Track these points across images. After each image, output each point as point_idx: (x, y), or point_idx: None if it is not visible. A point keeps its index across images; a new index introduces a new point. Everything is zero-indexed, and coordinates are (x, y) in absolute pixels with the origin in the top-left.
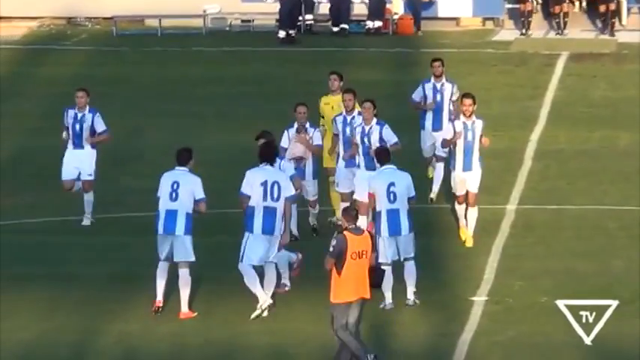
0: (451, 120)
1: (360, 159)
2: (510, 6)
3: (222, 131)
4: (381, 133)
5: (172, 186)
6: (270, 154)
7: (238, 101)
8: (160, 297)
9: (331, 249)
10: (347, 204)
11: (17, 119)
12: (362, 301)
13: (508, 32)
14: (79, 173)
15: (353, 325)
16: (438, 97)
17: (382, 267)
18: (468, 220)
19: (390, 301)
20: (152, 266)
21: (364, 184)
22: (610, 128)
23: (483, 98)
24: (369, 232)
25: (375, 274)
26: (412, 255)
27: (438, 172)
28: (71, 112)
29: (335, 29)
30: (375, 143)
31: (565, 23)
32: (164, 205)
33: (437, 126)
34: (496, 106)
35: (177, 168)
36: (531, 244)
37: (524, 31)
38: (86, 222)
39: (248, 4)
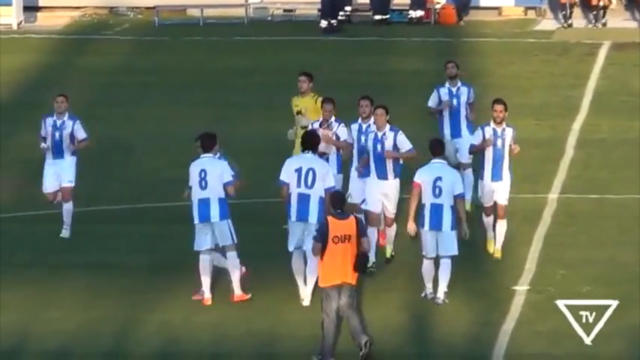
0: (469, 124)
1: (371, 168)
2: None
3: (263, 120)
4: (395, 140)
5: (200, 174)
6: (311, 141)
7: (279, 91)
8: (208, 294)
9: (315, 234)
10: (360, 216)
11: None
12: (349, 287)
13: (549, 22)
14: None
15: (346, 309)
16: (455, 102)
17: (424, 259)
18: (497, 233)
19: (432, 291)
20: (193, 256)
21: (375, 193)
22: None
23: (525, 87)
24: (356, 217)
25: (358, 259)
26: (451, 254)
27: (467, 179)
28: (50, 120)
29: (376, 18)
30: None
31: (604, 13)
32: (196, 194)
33: (456, 133)
34: (538, 95)
35: (202, 155)
36: (573, 233)
37: (564, 21)
38: (65, 234)
39: None
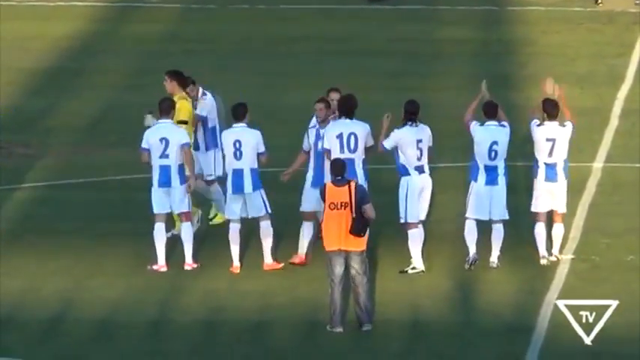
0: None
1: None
2: None
3: (307, 88)
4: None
5: (235, 144)
6: (348, 106)
7: (326, 58)
8: (236, 262)
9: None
10: (310, 223)
11: (103, 76)
12: (357, 254)
13: None
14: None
15: (356, 278)
16: None
17: (467, 220)
18: (554, 239)
19: (475, 251)
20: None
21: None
22: None
23: (570, 56)
24: (356, 184)
25: (353, 222)
26: (503, 218)
27: None
28: None
29: None
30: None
31: None
32: (230, 164)
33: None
34: (583, 63)
35: (234, 125)
36: (618, 202)
37: None
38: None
39: None
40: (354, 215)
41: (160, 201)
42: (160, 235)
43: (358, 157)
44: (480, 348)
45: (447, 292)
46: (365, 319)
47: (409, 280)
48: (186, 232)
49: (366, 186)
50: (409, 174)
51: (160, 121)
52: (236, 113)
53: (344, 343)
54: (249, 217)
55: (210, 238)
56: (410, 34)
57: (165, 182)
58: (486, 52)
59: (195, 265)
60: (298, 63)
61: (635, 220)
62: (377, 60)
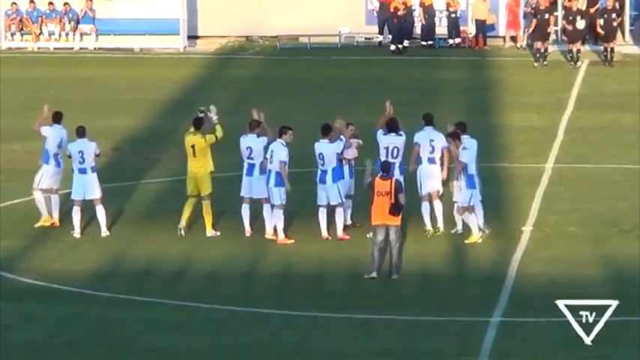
0: None
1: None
2: None
3: (352, 114)
4: None
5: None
6: (394, 125)
7: (363, 93)
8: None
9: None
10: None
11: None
12: (394, 227)
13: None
14: None
15: (393, 243)
16: None
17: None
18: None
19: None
20: (306, 206)
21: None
22: None
23: (529, 90)
24: (396, 179)
25: (392, 207)
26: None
27: None
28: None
29: (423, 43)
30: None
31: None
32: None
33: None
34: (539, 96)
35: (321, 140)
36: (563, 191)
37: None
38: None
39: (370, 27)
40: (392, 201)
41: (249, 187)
42: (245, 211)
43: (398, 161)
44: (469, 290)
45: (445, 252)
46: (394, 271)
47: (419, 244)
48: (267, 211)
49: (402, 180)
50: (422, 163)
51: (248, 134)
52: (323, 130)
53: (377, 287)
54: (331, 203)
55: (293, 215)
56: (419, 75)
57: (250, 174)
58: (472, 88)
59: (271, 234)
60: (343, 96)
61: (575, 203)
62: (397, 94)
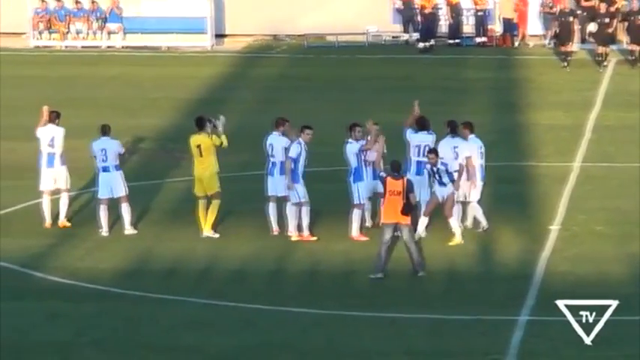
0: None
1: None
2: None
3: (379, 112)
4: None
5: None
6: (425, 124)
7: (389, 92)
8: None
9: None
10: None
11: (237, 104)
12: (406, 226)
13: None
14: None
15: (407, 241)
16: None
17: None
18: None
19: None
20: (330, 203)
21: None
22: None
23: (556, 89)
24: (407, 179)
25: (404, 206)
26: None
27: None
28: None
29: (450, 42)
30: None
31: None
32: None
33: None
34: (566, 95)
35: (350, 141)
36: (590, 190)
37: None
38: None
39: (396, 25)
40: (404, 200)
41: (273, 186)
42: (272, 210)
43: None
44: (496, 289)
45: (472, 251)
46: (419, 268)
47: (446, 242)
48: (289, 210)
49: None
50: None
51: (273, 132)
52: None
53: (404, 286)
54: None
55: (319, 214)
56: (446, 74)
57: (272, 173)
58: (499, 87)
59: (294, 233)
60: (370, 94)
61: (602, 202)
62: (423, 92)
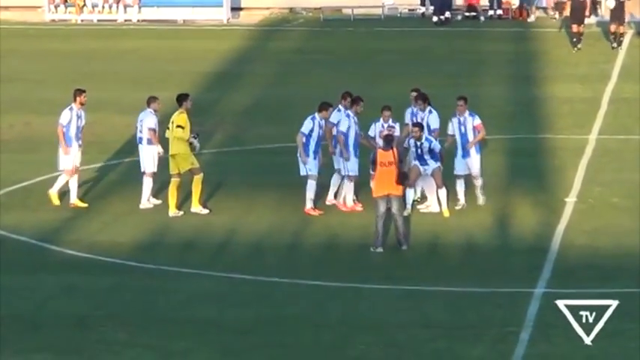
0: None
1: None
2: None
3: (395, 84)
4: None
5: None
6: (424, 98)
7: (405, 64)
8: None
9: (370, 163)
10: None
11: (254, 77)
12: (397, 197)
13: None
14: None
15: (396, 213)
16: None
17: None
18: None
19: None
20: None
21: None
22: None
23: (574, 62)
24: (397, 149)
25: (398, 176)
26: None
27: None
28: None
29: (467, 14)
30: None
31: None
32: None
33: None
34: (582, 68)
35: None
36: (606, 162)
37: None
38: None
39: None
40: (400, 170)
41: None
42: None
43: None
44: (513, 261)
45: (489, 224)
46: (403, 242)
47: (462, 215)
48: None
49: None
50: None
51: (316, 114)
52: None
53: (421, 259)
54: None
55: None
56: (463, 47)
57: (335, 147)
58: (516, 60)
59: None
60: (388, 67)
61: (619, 174)
62: (441, 65)
